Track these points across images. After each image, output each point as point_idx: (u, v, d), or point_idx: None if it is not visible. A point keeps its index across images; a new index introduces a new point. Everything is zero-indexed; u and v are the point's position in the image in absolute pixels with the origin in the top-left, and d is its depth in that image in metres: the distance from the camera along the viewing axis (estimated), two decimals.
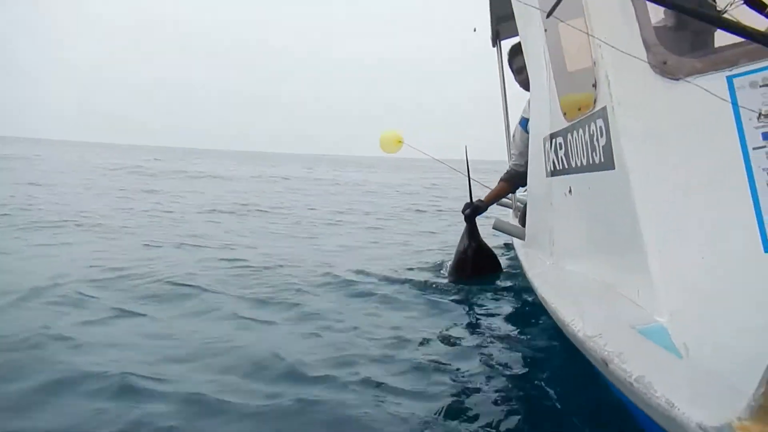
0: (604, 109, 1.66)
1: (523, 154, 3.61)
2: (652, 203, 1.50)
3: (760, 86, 1.40)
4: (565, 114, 2.15)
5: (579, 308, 1.70)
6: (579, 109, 1.96)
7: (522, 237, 3.51)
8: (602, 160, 1.75)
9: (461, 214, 3.87)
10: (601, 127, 1.72)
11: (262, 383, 2.26)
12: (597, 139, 1.78)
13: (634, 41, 1.54)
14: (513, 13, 3.11)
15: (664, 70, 1.51)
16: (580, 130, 1.97)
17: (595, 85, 1.71)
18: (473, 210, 3.82)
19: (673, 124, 1.47)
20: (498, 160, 6.04)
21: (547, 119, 2.47)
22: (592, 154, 1.85)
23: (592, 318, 1.57)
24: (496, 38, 5.39)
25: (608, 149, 1.67)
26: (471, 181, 4.05)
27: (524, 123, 3.72)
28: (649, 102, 1.52)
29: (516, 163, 3.82)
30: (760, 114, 1.37)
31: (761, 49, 1.43)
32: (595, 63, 1.66)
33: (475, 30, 6.29)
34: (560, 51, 2.22)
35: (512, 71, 3.85)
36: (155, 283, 3.84)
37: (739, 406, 0.80)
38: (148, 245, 5.47)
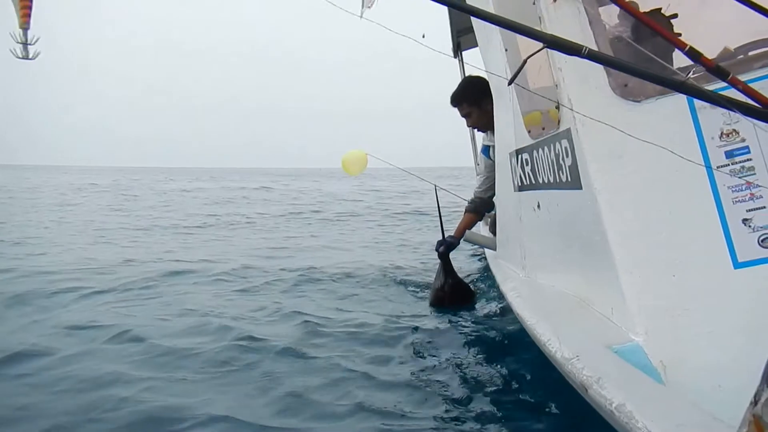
0: (568, 130, 1.68)
1: (489, 178, 3.66)
2: (621, 223, 1.51)
3: None
4: (529, 132, 2.17)
5: (555, 327, 1.70)
6: (543, 128, 1.97)
7: (493, 247, 3.53)
8: (569, 179, 1.76)
9: (435, 251, 3.92)
10: (566, 148, 1.73)
11: None
12: (563, 159, 1.79)
13: (595, 67, 1.56)
14: (472, 26, 3.15)
15: (625, 92, 1.53)
16: (546, 148, 1.99)
17: (558, 107, 1.72)
18: (447, 247, 3.86)
19: (637, 146, 1.48)
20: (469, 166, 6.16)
21: (512, 135, 2.48)
22: (558, 172, 1.87)
23: (569, 338, 1.57)
24: (458, 49, 5.48)
25: (575, 170, 1.68)
26: (441, 206, 4.08)
27: (485, 150, 3.77)
28: (614, 123, 1.54)
29: (480, 190, 3.85)
30: (721, 133, 1.40)
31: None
32: (557, 85, 1.67)
33: (423, 36, 6.40)
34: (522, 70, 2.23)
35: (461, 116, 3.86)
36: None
37: None
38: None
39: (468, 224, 3.95)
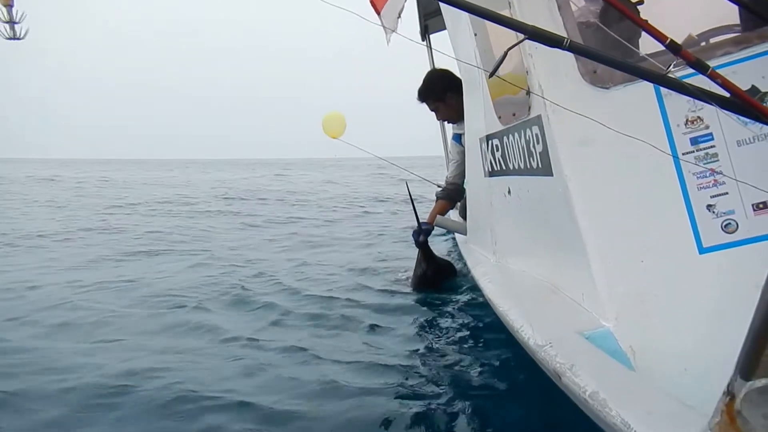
0: (539, 117, 1.68)
1: (461, 164, 3.68)
2: (591, 210, 1.53)
3: None
4: (500, 118, 2.17)
5: (527, 314, 1.72)
6: (513, 115, 1.97)
7: (464, 232, 3.55)
8: (540, 166, 1.77)
9: (413, 239, 3.89)
10: (537, 134, 1.74)
11: None
12: (533, 145, 1.80)
13: (565, 51, 1.55)
14: (440, 9, 3.13)
15: (594, 79, 1.54)
16: (516, 134, 1.99)
17: (528, 93, 1.72)
18: (425, 234, 3.84)
19: (607, 133, 1.50)
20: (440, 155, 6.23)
21: (482, 120, 2.48)
22: (529, 159, 1.88)
23: (541, 325, 1.59)
24: (425, 33, 5.44)
25: (545, 157, 1.69)
26: (415, 202, 4.09)
27: (457, 137, 3.78)
28: (582, 111, 1.54)
29: (453, 175, 3.86)
30: (686, 120, 1.42)
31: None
32: (528, 71, 1.67)
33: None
34: (491, 55, 2.23)
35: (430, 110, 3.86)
36: None
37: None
38: None
39: (440, 211, 3.97)
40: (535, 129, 1.74)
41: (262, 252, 5.76)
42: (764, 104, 1.40)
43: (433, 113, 3.94)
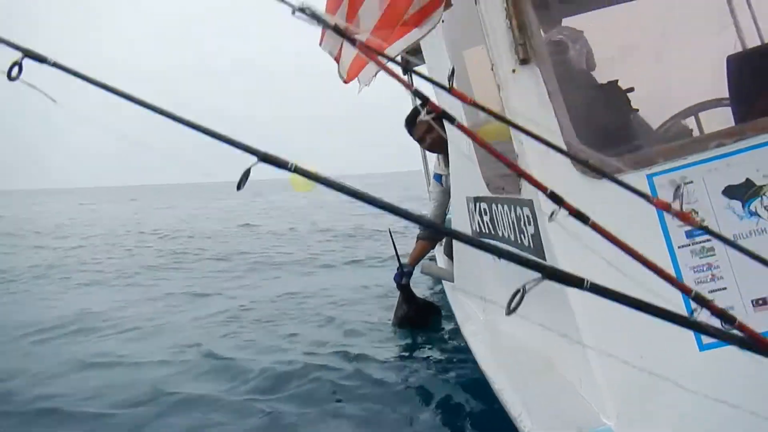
0: (530, 201, 1.65)
1: (442, 205, 3.67)
2: (588, 303, 1.49)
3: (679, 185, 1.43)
4: (488, 185, 2.14)
5: (524, 399, 1.68)
6: (503, 188, 1.94)
7: (450, 279, 3.51)
8: (531, 246, 1.74)
9: (395, 282, 3.86)
10: (528, 216, 1.71)
11: None
12: (525, 224, 1.77)
13: (555, 140, 1.53)
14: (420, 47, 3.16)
15: (586, 168, 1.51)
16: (506, 206, 1.96)
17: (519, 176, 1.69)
18: (407, 277, 3.83)
19: (600, 223, 1.47)
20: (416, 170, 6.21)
21: (469, 179, 2.45)
22: (520, 235, 1.84)
23: (540, 416, 1.55)
24: (406, 67, 5.43)
25: (537, 241, 1.66)
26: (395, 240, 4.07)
27: (438, 178, 3.77)
28: (575, 200, 1.51)
29: (434, 215, 3.85)
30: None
31: (677, 147, 1.46)
32: (518, 156, 1.64)
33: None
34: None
35: (414, 140, 3.82)
36: None
37: None
38: None
39: (422, 252, 3.93)
40: (527, 210, 1.71)
41: (234, 290, 5.67)
42: (761, 197, 1.39)
43: (419, 143, 3.90)
